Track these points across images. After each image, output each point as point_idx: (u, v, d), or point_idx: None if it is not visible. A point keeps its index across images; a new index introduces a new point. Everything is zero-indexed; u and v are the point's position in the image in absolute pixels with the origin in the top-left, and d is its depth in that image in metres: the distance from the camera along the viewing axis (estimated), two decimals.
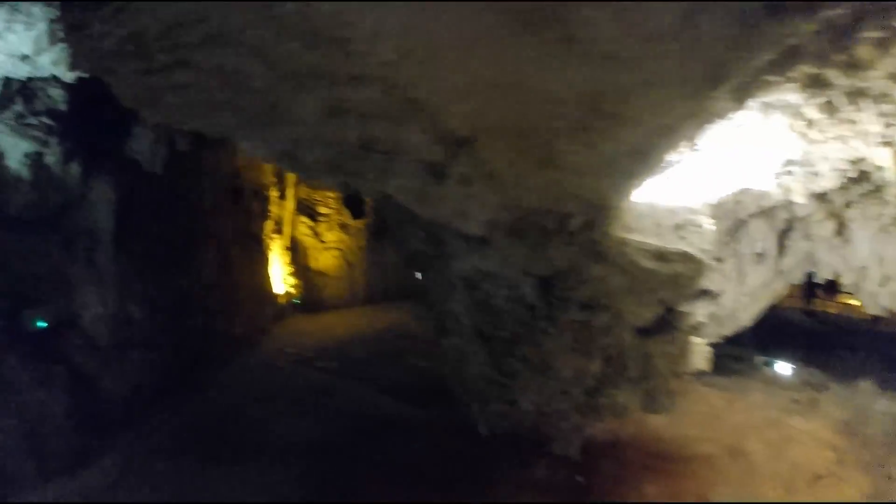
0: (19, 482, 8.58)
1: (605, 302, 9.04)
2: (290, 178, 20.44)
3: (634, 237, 9.16)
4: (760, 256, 12.44)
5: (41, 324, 9.86)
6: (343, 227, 21.68)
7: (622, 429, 11.11)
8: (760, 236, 12.17)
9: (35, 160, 9.56)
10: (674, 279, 9.11)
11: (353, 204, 21.49)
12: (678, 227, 10.07)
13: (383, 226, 22.77)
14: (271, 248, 19.30)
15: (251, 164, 18.00)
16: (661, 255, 9.11)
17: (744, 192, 10.33)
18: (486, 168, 7.85)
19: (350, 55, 6.04)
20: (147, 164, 12.50)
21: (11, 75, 8.83)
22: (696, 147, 7.89)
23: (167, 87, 6.68)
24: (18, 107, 9.45)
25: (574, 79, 6.34)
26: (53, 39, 7.18)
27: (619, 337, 9.29)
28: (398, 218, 10.97)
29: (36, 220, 10.01)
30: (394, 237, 13.59)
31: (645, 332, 9.57)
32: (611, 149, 7.49)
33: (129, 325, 11.44)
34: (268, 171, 18.89)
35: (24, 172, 9.41)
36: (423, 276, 11.91)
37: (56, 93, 10.01)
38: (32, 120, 9.57)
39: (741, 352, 15.94)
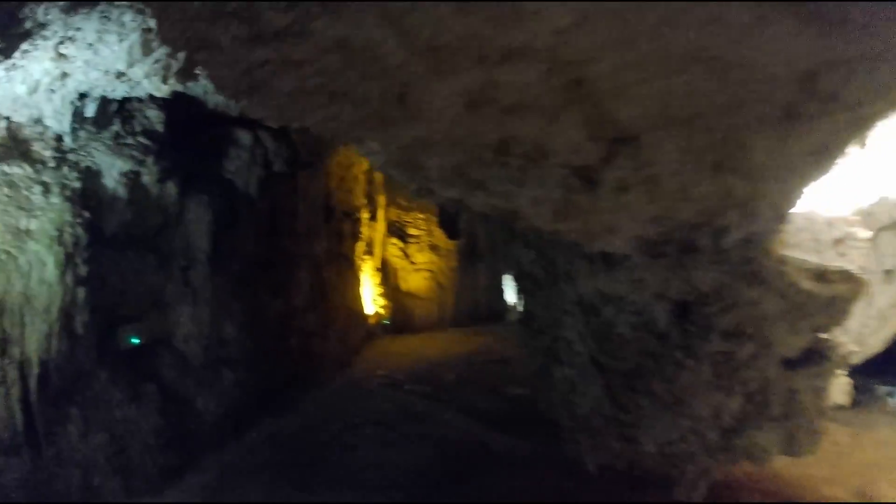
0: (104, 498, 8.27)
1: (751, 330, 7.73)
2: (381, 199, 20.11)
3: (793, 254, 7.84)
4: (890, 274, 10.92)
5: (134, 341, 9.65)
6: (433, 248, 21.13)
7: (738, 467, 9.81)
8: (891, 251, 10.68)
9: (132, 179, 9.38)
10: (831, 302, 7.74)
11: (447, 224, 20.84)
12: (837, 241, 8.74)
13: (474, 247, 22.16)
14: (362, 269, 18.93)
15: (342, 186, 17.75)
16: (821, 275, 7.73)
17: (880, 201, 8.96)
18: (648, 172, 6.45)
19: (511, 22, 4.64)
20: (242, 185, 12.33)
21: (109, 95, 8.71)
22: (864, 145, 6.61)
23: (277, 64, 5.49)
24: (116, 127, 9.33)
25: (795, 49, 4.89)
26: (146, 50, 6.88)
27: (763, 370, 7.98)
28: (503, 237, 10.17)
29: (132, 238, 9.85)
30: (492, 257, 12.63)
31: (791, 363, 8.23)
32: (803, 145, 6.12)
33: (223, 344, 11.13)
34: (359, 193, 18.61)
35: (121, 191, 9.23)
36: (529, 300, 11.00)
37: (153, 113, 9.88)
38: (129, 140, 9.42)
39: (861, 380, 14.14)
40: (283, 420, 12.15)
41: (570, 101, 5.60)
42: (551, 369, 10.14)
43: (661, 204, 6.89)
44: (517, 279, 11.39)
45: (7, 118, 8.24)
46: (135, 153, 9.31)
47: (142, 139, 9.55)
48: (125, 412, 8.85)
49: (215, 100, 11.21)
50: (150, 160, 9.49)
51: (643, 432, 8.46)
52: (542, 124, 5.94)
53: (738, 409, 8.05)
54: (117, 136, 9.30)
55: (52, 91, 7.79)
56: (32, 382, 7.57)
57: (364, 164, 18.93)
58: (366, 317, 18.56)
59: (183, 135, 10.80)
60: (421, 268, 20.96)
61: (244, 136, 12.38)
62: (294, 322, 14.17)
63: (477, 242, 22.44)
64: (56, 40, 6.09)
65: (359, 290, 18.01)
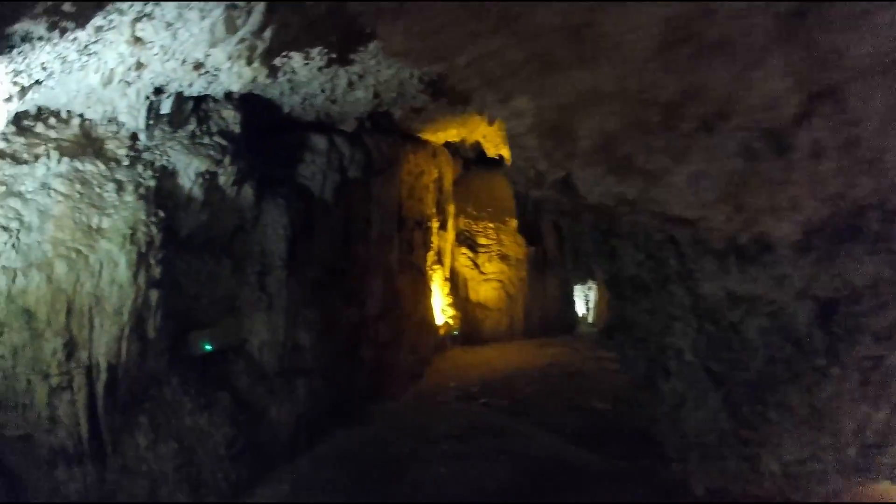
0: None
1: None
2: (451, 208, 19.27)
3: None
4: None
5: (207, 347, 8.99)
6: (503, 258, 20.13)
7: (871, 490, 8.36)
8: None
9: (208, 180, 8.76)
10: None
11: (526, 230, 19.76)
12: None
13: (544, 257, 21.05)
14: (432, 279, 18.08)
15: (412, 195, 16.98)
16: None
17: None
18: (848, 134, 5.12)
19: None
20: (317, 190, 11.66)
21: (185, 91, 8.13)
22: None
23: None
24: (192, 126, 8.74)
25: None
26: (230, 27, 6.18)
27: None
28: (599, 240, 9.15)
29: (207, 241, 9.24)
30: (573, 264, 11.50)
31: None
32: None
33: (298, 352, 10.42)
34: (429, 202, 17.81)
35: (197, 192, 8.61)
36: (628, 307, 9.89)
37: (229, 114, 9.28)
38: (205, 140, 8.83)
39: None
40: (355, 432, 11.33)
41: (784, 36, 4.41)
42: (656, 381, 9.00)
43: (846, 177, 5.56)
44: (612, 285, 10.29)
45: (81, 115, 7.75)
46: (211, 153, 8.69)
47: (218, 139, 8.94)
48: (196, 421, 8.17)
49: (291, 102, 10.59)
50: (226, 160, 8.85)
51: (768, 450, 7.21)
52: (739, 70, 4.81)
53: (883, 423, 6.71)
54: (193, 135, 8.70)
55: (127, 84, 7.22)
56: (100, 388, 6.94)
57: (434, 173, 18.16)
58: (436, 327, 17.68)
59: (257, 139, 10.21)
60: (490, 278, 19.98)
61: (320, 141, 11.73)
62: (367, 331, 13.40)
63: (547, 252, 21.34)
64: (132, 16, 5.41)
65: (430, 301, 17.17)
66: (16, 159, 6.98)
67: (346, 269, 12.79)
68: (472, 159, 21.79)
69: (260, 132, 10.60)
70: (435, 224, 18.19)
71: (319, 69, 8.98)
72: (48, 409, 6.58)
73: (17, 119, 7.27)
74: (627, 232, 8.82)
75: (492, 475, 9.63)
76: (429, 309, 17.00)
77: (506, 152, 19.48)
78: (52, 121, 7.50)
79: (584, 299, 24.56)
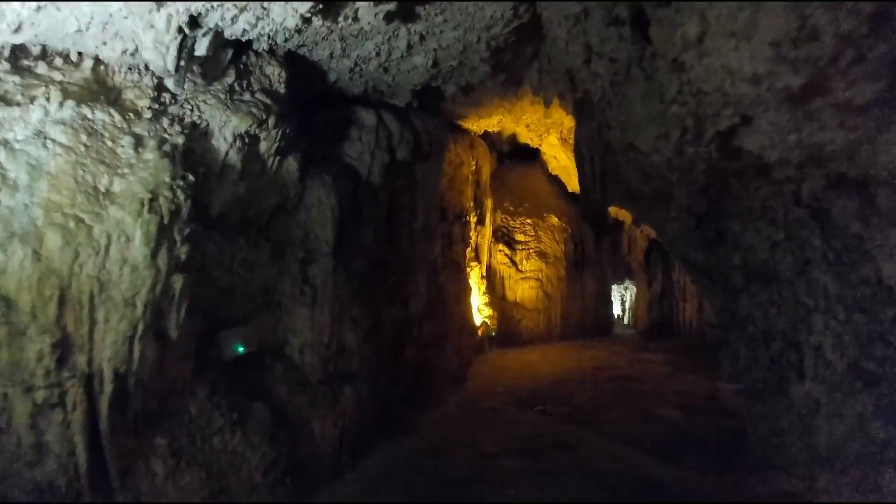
0: None
1: None
2: (488, 202, 17.25)
3: None
4: None
5: (240, 350, 6.98)
6: (541, 255, 18.12)
7: None
8: None
9: (248, 145, 6.78)
10: None
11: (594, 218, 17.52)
12: None
13: (583, 254, 19.02)
14: (469, 276, 16.08)
15: (452, 186, 14.98)
16: None
17: None
18: None
19: None
20: (364, 171, 9.68)
21: (225, 29, 6.14)
22: None
23: None
24: (230, 79, 6.75)
25: None
26: None
27: None
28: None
29: (243, 221, 7.26)
30: (678, 246, 9.48)
31: None
32: None
33: (343, 355, 8.45)
34: (468, 195, 15.80)
35: (234, 157, 6.64)
36: (742, 300, 7.85)
37: (273, 71, 7.31)
38: (246, 96, 6.84)
39: None
40: (402, 444, 9.29)
41: None
42: (786, 385, 6.95)
43: None
44: (714, 276, 8.25)
45: (95, 57, 5.78)
46: (254, 111, 6.69)
47: (261, 97, 6.95)
48: (227, 441, 6.17)
49: (340, 68, 8.65)
50: (270, 122, 6.87)
51: None
52: None
53: None
54: (232, 90, 6.72)
55: (154, 9, 5.25)
56: (103, 404, 4.88)
57: (472, 165, 16.18)
58: (476, 328, 15.65)
59: (301, 110, 8.25)
60: (528, 276, 17.98)
61: (368, 117, 9.75)
62: (410, 332, 11.41)
63: (585, 248, 19.32)
64: None
65: (470, 300, 15.15)
66: (5, 101, 5.00)
67: (391, 263, 10.78)
68: (506, 153, 19.85)
69: (303, 103, 8.66)
70: (473, 218, 16.21)
71: (385, 16, 7.02)
72: (32, 432, 4.57)
73: (14, 57, 5.33)
74: (759, 208, 6.81)
75: (569, 496, 7.61)
76: (469, 308, 14.99)
77: (552, 141, 17.55)
78: (59, 62, 5.55)
79: (621, 300, 22.59)
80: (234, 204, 6.91)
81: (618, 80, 8.00)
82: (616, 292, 21.67)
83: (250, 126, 6.57)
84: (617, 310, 21.85)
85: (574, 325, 18.80)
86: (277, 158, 7.32)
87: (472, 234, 16.21)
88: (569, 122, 15.27)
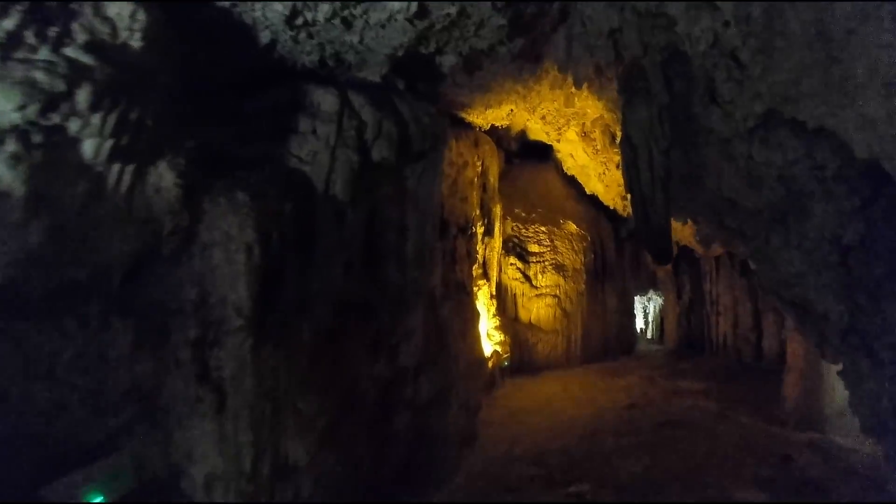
0: None
1: None
2: (497, 209, 13.53)
3: None
4: None
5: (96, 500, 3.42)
6: (558, 268, 14.42)
7: None
8: None
9: (41, 144, 3.07)
10: None
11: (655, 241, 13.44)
12: None
13: (604, 265, 15.29)
14: (477, 297, 12.41)
15: (455, 192, 11.29)
16: None
17: None
18: None
19: None
20: (321, 179, 6.00)
21: None
22: None
23: None
24: (10, 21, 3.04)
25: None
26: None
27: None
28: None
29: (62, 292, 3.57)
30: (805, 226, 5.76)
31: None
32: None
33: (286, 479, 4.76)
34: (473, 202, 12.10)
35: (6, 175, 2.90)
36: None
37: (119, 12, 3.62)
38: (42, 51, 3.14)
39: None
40: None
41: None
42: None
43: None
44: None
45: None
46: (40, 77, 2.99)
47: (76, 55, 3.26)
48: None
49: (274, 23, 4.97)
50: (82, 97, 3.16)
51: None
52: None
53: None
54: (13, 40, 3.04)
55: None
56: None
57: (477, 166, 12.46)
58: (486, 361, 11.97)
59: (211, 95, 4.59)
60: (544, 293, 14.30)
61: (325, 99, 6.10)
62: (402, 391, 7.77)
63: (606, 257, 15.59)
64: None
65: (478, 329, 11.45)
66: None
67: (371, 303, 7.13)
68: (514, 151, 16.09)
69: (219, 86, 5.01)
70: (479, 229, 12.53)
71: None
72: None
73: None
74: None
75: None
76: (478, 340, 11.30)
77: (570, 137, 13.82)
78: None
79: (643, 312, 18.97)
80: (26, 265, 3.22)
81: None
82: (638, 304, 18.00)
83: (25, 107, 2.87)
84: (639, 323, 18.17)
85: (595, 346, 15.12)
86: (131, 168, 3.63)
87: (479, 247, 12.53)
88: (594, 110, 11.50)
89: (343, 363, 6.35)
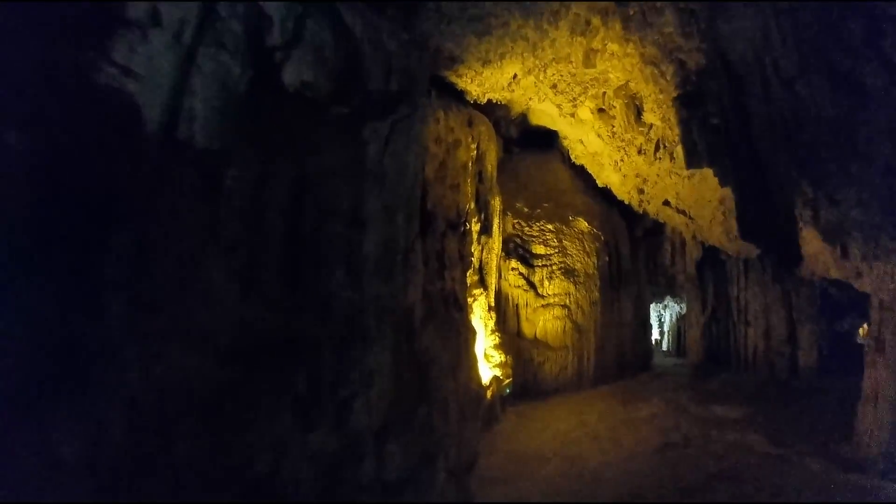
0: None
1: None
2: (496, 203, 10.38)
3: None
4: None
5: None
6: (568, 273, 11.25)
7: None
8: None
9: None
10: None
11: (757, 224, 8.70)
12: None
13: (619, 270, 12.14)
14: (472, 310, 9.24)
15: (443, 176, 8.17)
16: None
17: None
18: None
19: None
20: (154, 109, 2.72)
21: None
22: None
23: None
24: None
25: None
26: None
27: None
28: None
29: None
30: None
31: None
32: None
33: None
34: (467, 191, 8.95)
35: None
36: None
37: None
38: None
39: None
40: None
41: None
42: None
43: None
44: None
45: None
46: None
47: None
48: None
49: None
50: None
51: None
52: None
53: None
54: None
55: None
56: None
57: (472, 149, 9.33)
58: (483, 392, 8.77)
59: None
60: (552, 302, 11.14)
61: None
62: (358, 470, 4.56)
63: (621, 260, 12.42)
64: None
65: (473, 354, 8.26)
66: None
67: (301, 337, 3.95)
68: (514, 139, 12.94)
69: None
70: (475, 226, 9.38)
71: None
72: None
73: None
74: None
75: None
76: (474, 370, 8.11)
77: (583, 116, 10.68)
78: None
79: (658, 321, 15.86)
80: None
81: None
82: (653, 312, 14.86)
83: None
84: (654, 334, 15.01)
85: (610, 364, 11.96)
86: None
87: (475, 249, 9.38)
88: (619, 74, 8.32)
89: (243, 439, 3.21)
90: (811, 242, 6.05)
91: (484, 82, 8.44)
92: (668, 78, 6.45)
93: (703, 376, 12.31)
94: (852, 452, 7.79)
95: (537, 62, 7.76)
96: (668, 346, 15.45)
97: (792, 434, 8.79)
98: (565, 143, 12.43)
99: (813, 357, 11.91)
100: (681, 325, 14.68)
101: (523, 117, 12.41)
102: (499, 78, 8.37)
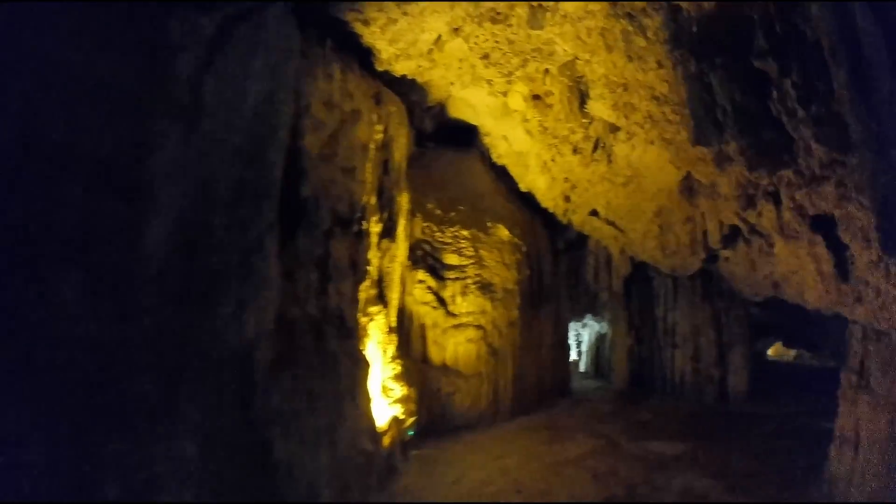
0: None
1: None
2: (402, 200, 8.31)
3: None
4: None
5: None
6: (484, 288, 9.36)
7: None
8: None
9: None
10: None
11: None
12: None
13: (540, 285, 10.48)
14: (367, 335, 7.06)
15: (331, 154, 5.96)
16: None
17: None
18: None
19: None
20: None
21: None
22: None
23: None
24: None
25: None
26: None
27: None
28: None
29: None
30: None
31: None
32: None
33: None
34: (367, 180, 6.79)
35: None
36: None
37: None
38: None
39: None
40: None
41: None
42: None
43: None
44: None
45: None
46: None
47: None
48: None
49: None
50: None
51: None
52: None
53: None
54: None
55: None
56: None
57: (377, 130, 7.21)
58: (378, 442, 6.53)
59: None
60: (465, 322, 9.19)
61: None
62: None
63: (543, 274, 10.76)
64: None
65: (365, 395, 6.04)
66: None
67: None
68: (429, 132, 10.96)
69: None
70: (375, 226, 7.22)
71: None
72: None
73: None
74: None
75: None
76: (363, 418, 5.88)
77: (515, 104, 8.78)
78: None
79: (576, 341, 14.46)
80: None
81: None
82: (571, 331, 13.42)
83: None
84: (572, 354, 13.56)
85: (529, 392, 10.21)
86: None
87: (374, 254, 7.21)
88: (566, 47, 6.54)
89: None
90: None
91: (398, 38, 6.36)
92: (651, 34, 4.78)
93: (628, 402, 10.94)
94: (825, 500, 6.47)
95: (469, 15, 5.81)
96: (586, 368, 14.15)
97: (745, 476, 7.42)
98: (487, 140, 10.63)
99: (744, 381, 10.95)
100: (600, 345, 13.42)
101: (441, 109, 10.46)
102: (418, 35, 6.34)
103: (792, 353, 16.16)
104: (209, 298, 3.13)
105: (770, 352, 15.92)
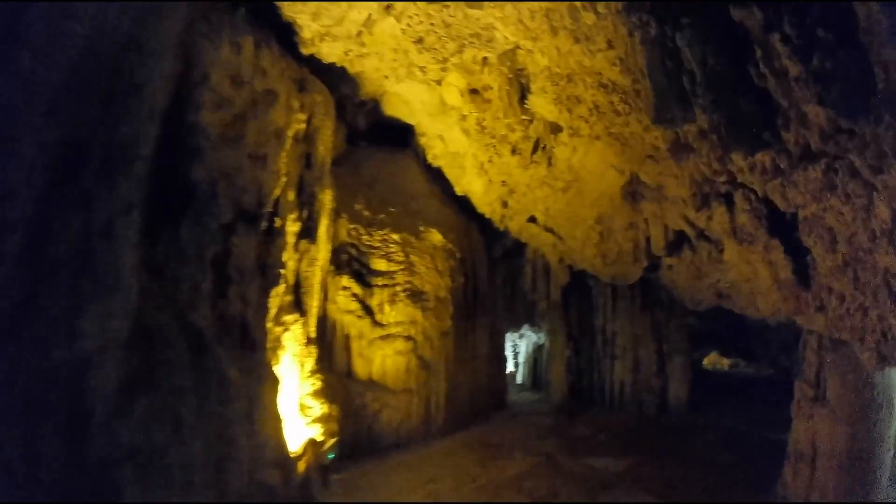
0: None
1: None
2: (325, 198, 7.52)
3: None
4: None
5: None
6: (414, 296, 8.65)
7: None
8: None
9: None
10: None
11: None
12: None
13: (475, 292, 9.91)
14: (282, 348, 6.18)
15: (238, 136, 5.12)
16: None
17: None
18: None
19: None
20: None
21: None
22: None
23: None
24: None
25: None
26: None
27: None
28: None
29: None
30: None
31: None
32: None
33: None
34: (282, 171, 5.97)
35: None
36: None
37: None
38: None
39: None
40: None
41: None
42: None
43: None
44: None
45: None
46: None
47: None
48: None
49: None
50: None
51: None
52: None
53: None
54: None
55: None
56: None
57: (299, 118, 6.41)
58: (290, 470, 5.64)
59: None
60: (393, 333, 8.43)
61: None
62: None
63: (478, 282, 10.20)
64: None
65: (274, 418, 5.16)
66: None
67: None
68: (362, 130, 10.23)
69: None
70: (292, 225, 6.39)
71: None
72: None
73: None
74: None
75: None
76: (267, 444, 5.00)
77: (449, 97, 8.17)
78: None
79: (513, 352, 13.98)
80: None
81: None
82: (507, 341, 12.93)
83: None
84: (508, 365, 13.06)
85: (462, 406, 9.56)
86: None
87: (290, 256, 6.37)
88: (507, 33, 6.07)
89: None
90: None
91: (323, 14, 5.62)
92: (601, 7, 4.29)
93: (566, 416, 10.51)
94: None
95: None
96: (523, 380, 13.71)
97: (692, 495, 7.07)
98: (423, 140, 9.98)
99: (684, 391, 10.81)
100: (538, 356, 13.02)
101: (376, 105, 9.75)
102: (345, 11, 5.62)
103: (727, 361, 16.46)
104: (35, 296, 2.27)
105: (705, 361, 16.14)
